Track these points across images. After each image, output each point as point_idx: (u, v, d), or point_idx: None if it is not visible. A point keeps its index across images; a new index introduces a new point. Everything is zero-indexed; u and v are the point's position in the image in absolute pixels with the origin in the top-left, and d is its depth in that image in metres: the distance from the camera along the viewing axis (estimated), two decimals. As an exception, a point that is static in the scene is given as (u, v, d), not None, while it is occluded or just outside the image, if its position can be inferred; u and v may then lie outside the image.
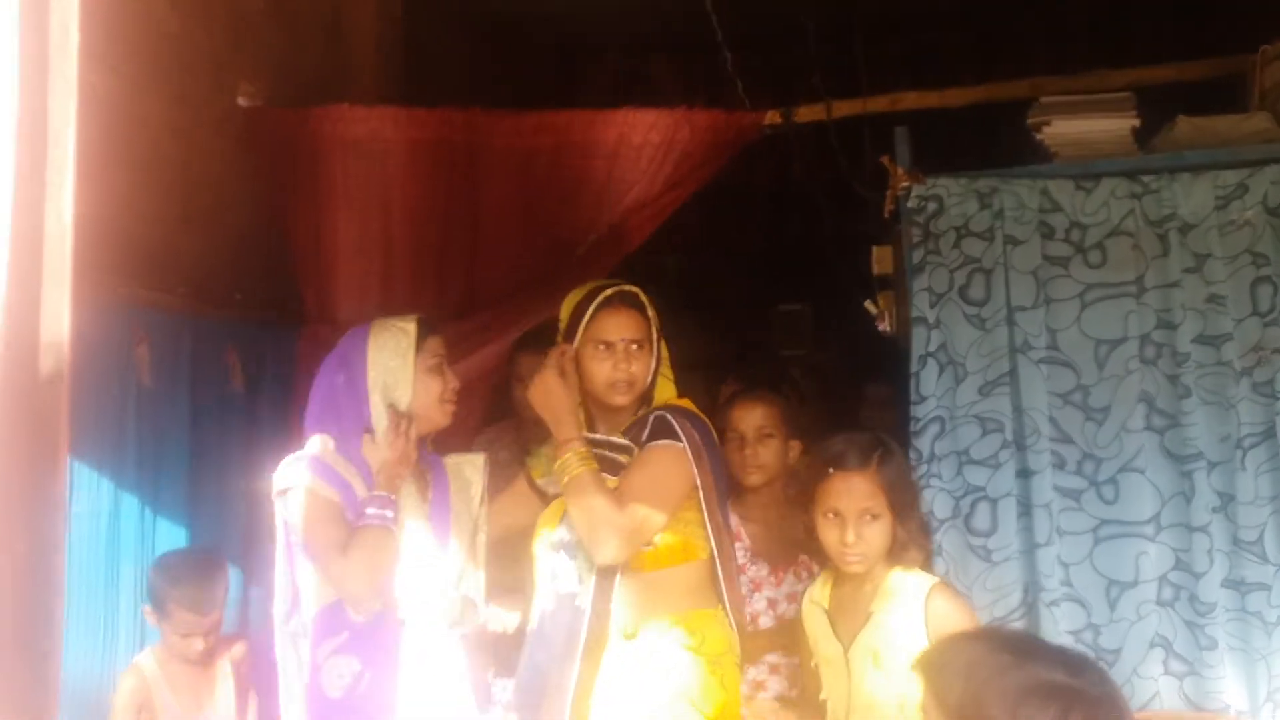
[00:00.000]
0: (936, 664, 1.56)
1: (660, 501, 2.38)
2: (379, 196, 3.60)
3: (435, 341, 2.52)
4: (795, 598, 2.76)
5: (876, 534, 2.33)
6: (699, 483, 2.43)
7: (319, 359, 2.62)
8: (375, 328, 2.51)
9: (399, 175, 3.59)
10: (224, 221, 3.42)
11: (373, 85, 4.00)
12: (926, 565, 2.44)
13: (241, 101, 3.59)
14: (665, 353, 2.60)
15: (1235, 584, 2.70)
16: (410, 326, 2.50)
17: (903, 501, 2.36)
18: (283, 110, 3.64)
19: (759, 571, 2.89)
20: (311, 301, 3.61)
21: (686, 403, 2.56)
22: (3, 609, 0.99)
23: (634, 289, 2.56)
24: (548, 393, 2.47)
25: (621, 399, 2.48)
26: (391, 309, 2.87)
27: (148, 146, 3.03)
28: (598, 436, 2.51)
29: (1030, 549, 2.74)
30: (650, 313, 2.55)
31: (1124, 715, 1.43)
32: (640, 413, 2.52)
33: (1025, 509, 2.76)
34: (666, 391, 2.58)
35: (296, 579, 2.36)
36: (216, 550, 2.93)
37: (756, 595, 2.87)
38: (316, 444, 2.40)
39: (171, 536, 2.98)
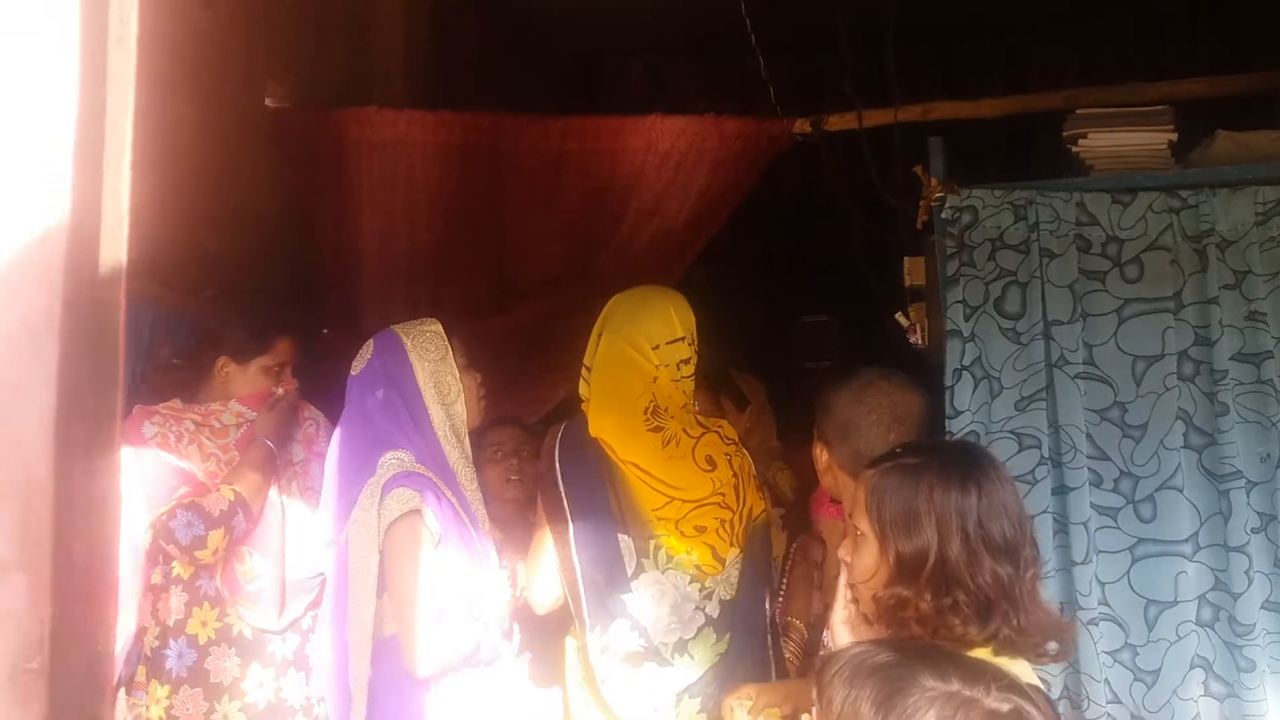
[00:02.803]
0: (827, 672, 1.30)
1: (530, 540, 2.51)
2: (404, 199, 3.57)
3: (458, 340, 2.49)
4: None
5: (858, 562, 1.63)
6: (541, 504, 2.45)
7: (341, 362, 2.58)
8: (405, 332, 2.46)
9: (424, 178, 3.56)
10: (251, 222, 3.38)
11: (400, 87, 3.97)
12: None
13: (269, 102, 3.56)
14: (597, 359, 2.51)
15: (1276, 606, 2.65)
16: (437, 327, 2.46)
17: (899, 527, 1.55)
18: (310, 111, 3.61)
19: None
20: (335, 303, 3.58)
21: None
22: (63, 608, 0.97)
23: None
24: None
25: None
26: (414, 313, 2.83)
27: (175, 145, 2.97)
28: None
29: (1067, 567, 2.69)
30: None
31: None
32: None
33: (1062, 526, 2.71)
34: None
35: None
36: None
37: None
38: (406, 462, 2.32)
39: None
